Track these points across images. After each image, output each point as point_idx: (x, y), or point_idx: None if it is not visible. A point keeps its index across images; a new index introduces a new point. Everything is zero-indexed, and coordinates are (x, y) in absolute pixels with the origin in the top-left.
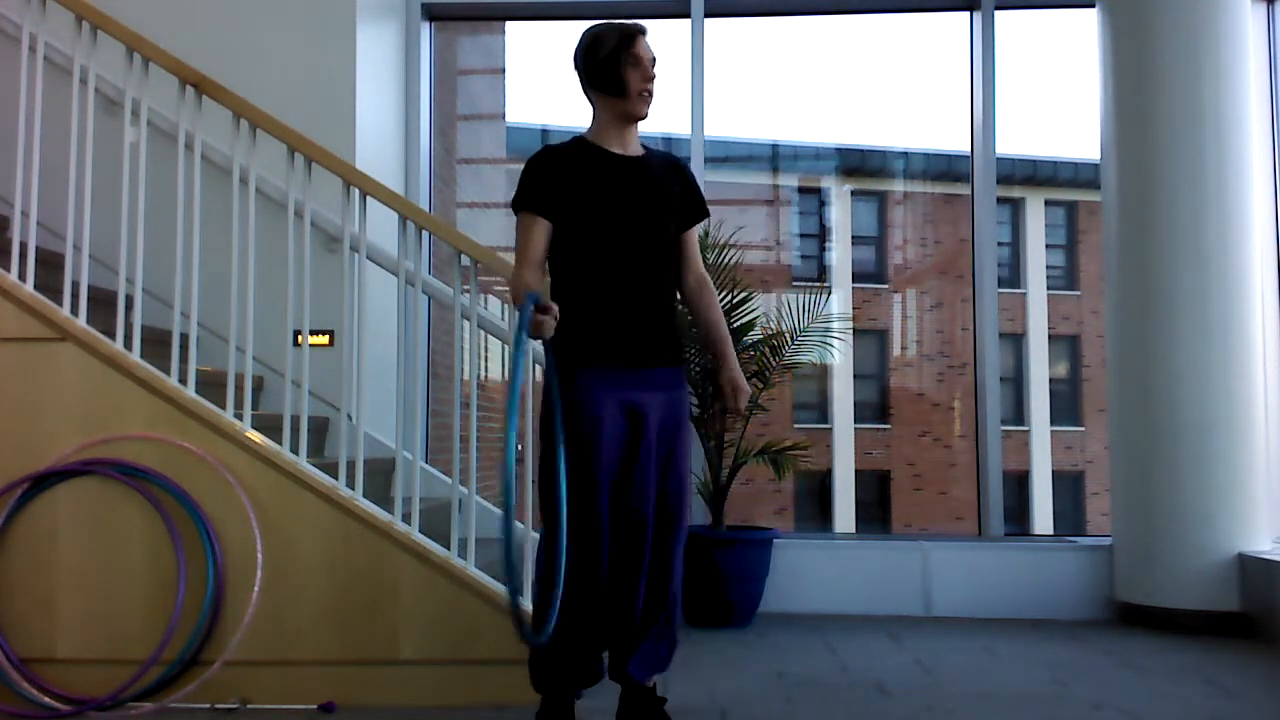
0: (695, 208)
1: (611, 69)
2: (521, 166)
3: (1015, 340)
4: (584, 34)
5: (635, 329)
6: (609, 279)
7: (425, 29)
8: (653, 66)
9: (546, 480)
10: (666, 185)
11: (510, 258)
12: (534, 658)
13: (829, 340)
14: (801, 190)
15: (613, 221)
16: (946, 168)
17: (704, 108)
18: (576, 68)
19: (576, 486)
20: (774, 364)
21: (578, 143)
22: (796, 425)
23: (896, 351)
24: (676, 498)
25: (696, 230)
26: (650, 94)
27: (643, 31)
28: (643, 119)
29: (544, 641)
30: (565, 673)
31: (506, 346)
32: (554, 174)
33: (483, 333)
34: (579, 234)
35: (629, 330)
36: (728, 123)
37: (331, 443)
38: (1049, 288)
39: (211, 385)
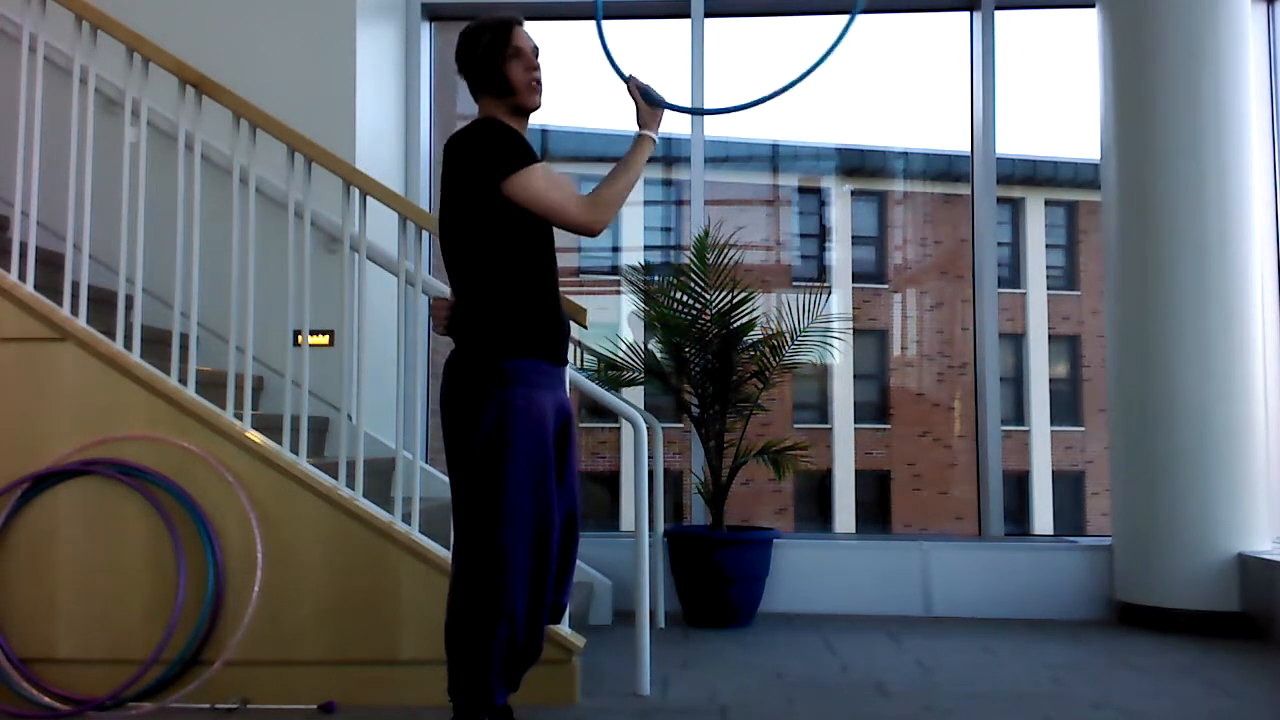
0: None
1: (492, 66)
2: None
3: (1015, 340)
4: (460, 34)
5: (564, 326)
6: (548, 270)
7: (425, 29)
8: (536, 56)
9: (494, 509)
10: None
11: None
12: (472, 681)
13: (829, 340)
14: (801, 190)
15: None
16: (946, 168)
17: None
18: (460, 72)
19: (535, 514)
20: (774, 364)
21: (507, 126)
22: (796, 425)
23: (896, 351)
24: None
25: None
26: (538, 83)
27: (519, 22)
28: (537, 109)
29: None
30: (501, 690)
31: None
32: (530, 149)
33: None
34: (527, 222)
35: (562, 326)
36: (728, 123)
37: (331, 443)
38: (1049, 288)
39: (211, 385)
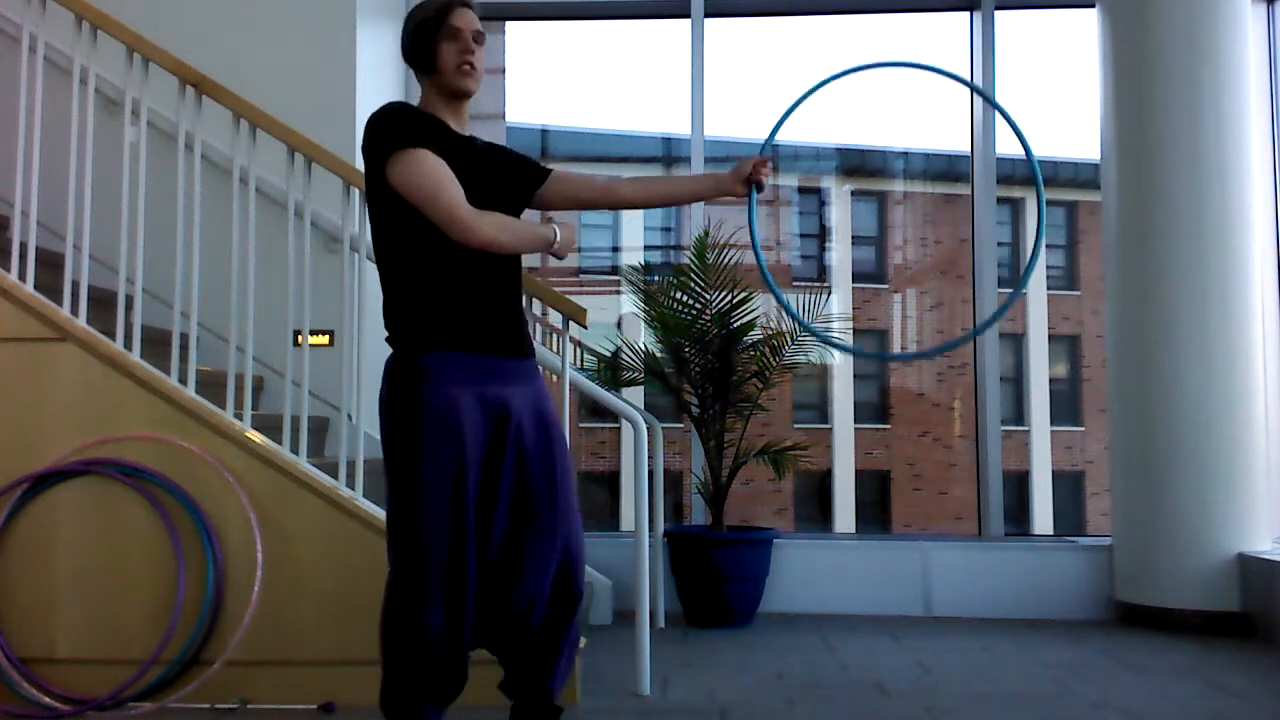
0: (537, 169)
1: (422, 43)
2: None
3: (1015, 340)
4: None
5: (494, 313)
6: (466, 259)
7: None
8: (476, 40)
9: (407, 510)
10: (497, 165)
11: None
12: (402, 700)
13: (829, 340)
14: (801, 190)
15: (469, 196)
16: (946, 168)
17: (704, 108)
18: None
19: (451, 521)
20: (774, 364)
21: (422, 111)
22: (796, 425)
23: (896, 351)
24: (569, 491)
25: (557, 170)
26: (471, 66)
27: (465, 3)
28: (469, 94)
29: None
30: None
31: None
32: (428, 129)
33: None
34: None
35: (488, 313)
36: (728, 123)
37: (331, 443)
38: (1049, 288)
39: (211, 385)
